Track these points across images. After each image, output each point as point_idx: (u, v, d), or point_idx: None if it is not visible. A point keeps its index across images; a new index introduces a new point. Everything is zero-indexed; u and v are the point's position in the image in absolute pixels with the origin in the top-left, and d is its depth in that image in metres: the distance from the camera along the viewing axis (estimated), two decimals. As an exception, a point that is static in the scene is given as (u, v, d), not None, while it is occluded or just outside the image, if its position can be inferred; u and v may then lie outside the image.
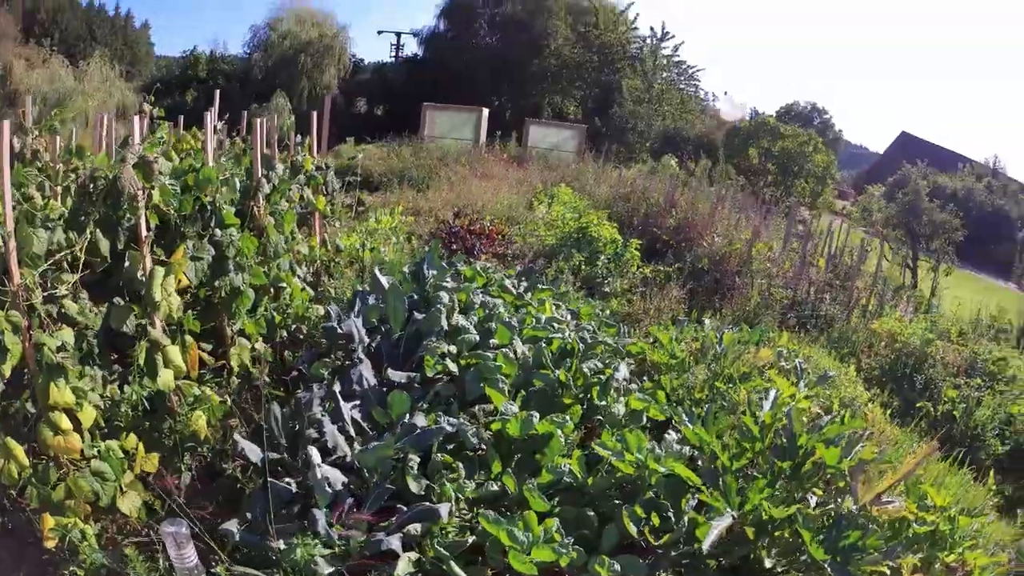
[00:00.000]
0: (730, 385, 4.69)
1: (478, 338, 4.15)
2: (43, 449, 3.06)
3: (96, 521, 3.15)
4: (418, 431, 3.04)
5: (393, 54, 35.53)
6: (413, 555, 2.57)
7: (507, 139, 22.96)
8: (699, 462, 3.40)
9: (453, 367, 3.81)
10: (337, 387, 3.48)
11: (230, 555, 2.74)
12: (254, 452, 3.10)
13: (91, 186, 3.67)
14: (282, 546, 2.49)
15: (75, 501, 3.06)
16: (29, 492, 3.00)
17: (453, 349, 3.99)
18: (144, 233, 3.84)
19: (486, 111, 22.08)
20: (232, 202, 4.93)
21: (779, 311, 8.49)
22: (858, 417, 5.41)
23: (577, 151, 21.29)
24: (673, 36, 30.78)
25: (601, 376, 4.10)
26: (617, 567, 2.55)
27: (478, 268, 6.04)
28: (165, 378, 3.73)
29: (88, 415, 3.20)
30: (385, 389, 3.65)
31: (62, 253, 3.40)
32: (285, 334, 5.57)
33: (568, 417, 3.45)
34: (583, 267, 8.79)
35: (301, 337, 5.60)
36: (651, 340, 5.59)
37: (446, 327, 4.23)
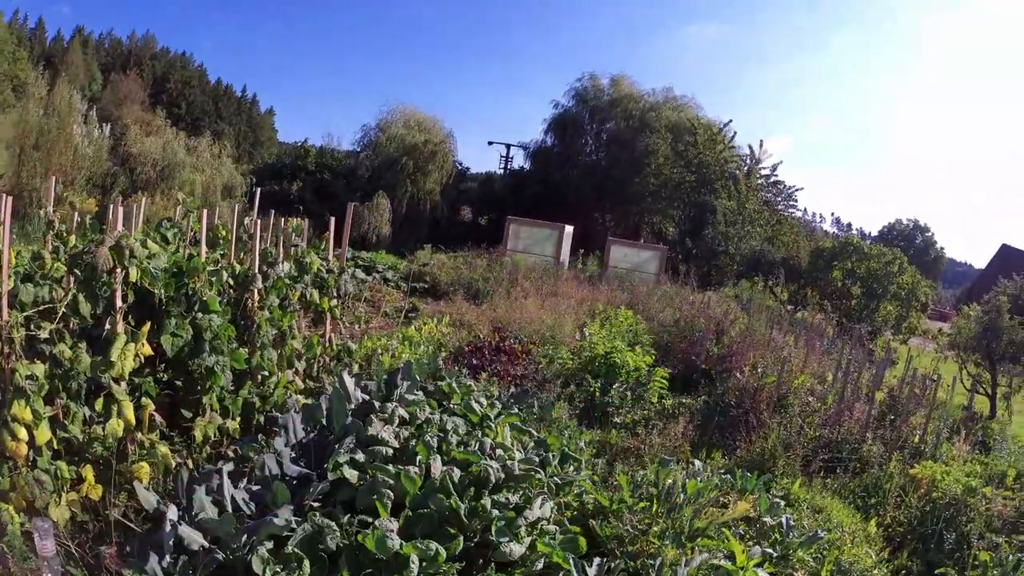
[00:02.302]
0: (665, 542, 4.51)
1: (391, 451, 4.44)
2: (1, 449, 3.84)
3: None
4: (264, 523, 3.37)
5: (502, 166, 37.68)
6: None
7: (594, 257, 23.57)
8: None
9: (349, 473, 4.11)
10: (229, 467, 3.93)
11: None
12: (148, 502, 3.66)
13: (80, 259, 4.40)
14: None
15: (16, 494, 3.84)
16: (-18, 478, 3.80)
17: (361, 457, 4.29)
18: (118, 304, 4.55)
19: (569, 228, 22.90)
20: (220, 291, 5.61)
21: (803, 453, 7.83)
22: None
23: (657, 273, 21.50)
24: (771, 155, 31.26)
25: (508, 511, 4.22)
26: None
27: (455, 385, 6.34)
28: (113, 426, 4.46)
29: (43, 434, 3.99)
30: (288, 478, 4.03)
31: (44, 306, 4.25)
32: (262, 418, 6.13)
33: (436, 545, 3.61)
34: (597, 394, 8.89)
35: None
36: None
37: (371, 435, 4.57)
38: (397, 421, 5.00)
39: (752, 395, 9.23)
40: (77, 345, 4.34)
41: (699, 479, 5.42)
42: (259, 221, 6.17)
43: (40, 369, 4.02)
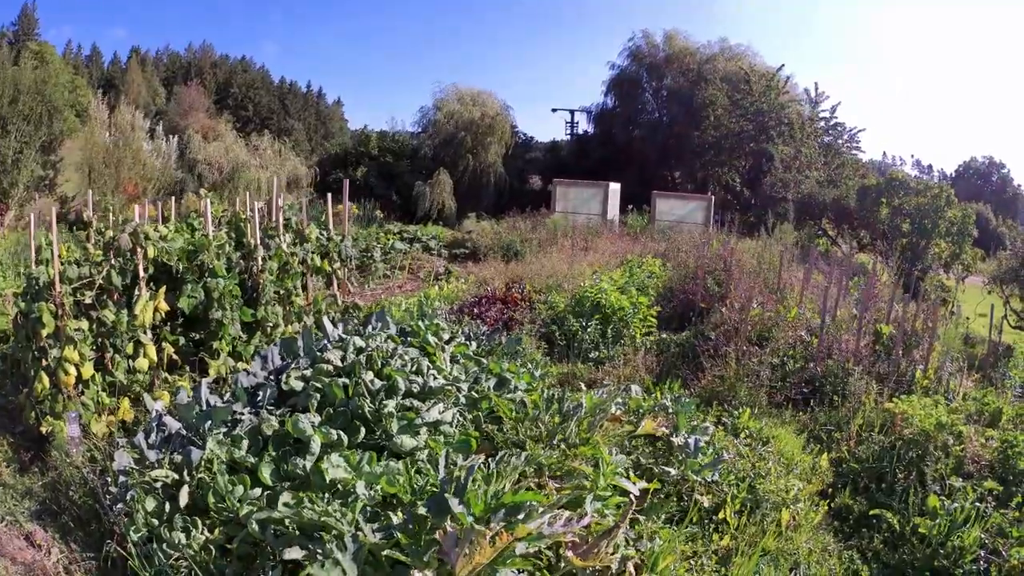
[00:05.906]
0: (538, 446, 5.23)
1: (333, 369, 5.91)
2: (56, 382, 5.66)
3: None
4: (215, 408, 4.94)
5: (568, 132, 38.32)
6: (171, 473, 4.46)
7: (643, 212, 24.30)
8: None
9: (295, 384, 5.63)
10: (208, 380, 5.61)
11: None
12: (153, 408, 5.31)
13: (110, 244, 6.12)
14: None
15: (66, 414, 5.59)
16: (44, 403, 5.64)
17: (308, 373, 5.80)
18: (141, 274, 6.24)
19: (615, 186, 23.67)
20: (229, 260, 7.24)
21: (775, 386, 7.95)
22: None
23: (704, 223, 21.93)
24: (828, 97, 30.42)
25: (409, 412, 5.55)
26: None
27: (422, 325, 7.67)
28: (140, 363, 6.26)
29: (87, 371, 5.78)
30: (252, 389, 5.62)
31: (86, 280, 5.94)
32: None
33: (338, 432, 5.00)
34: (579, 333, 10.02)
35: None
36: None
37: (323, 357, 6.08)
38: (351, 349, 6.45)
39: (732, 329, 9.29)
40: (120, 311, 6.12)
41: (605, 398, 6.01)
42: (263, 206, 7.76)
43: (85, 324, 5.82)
